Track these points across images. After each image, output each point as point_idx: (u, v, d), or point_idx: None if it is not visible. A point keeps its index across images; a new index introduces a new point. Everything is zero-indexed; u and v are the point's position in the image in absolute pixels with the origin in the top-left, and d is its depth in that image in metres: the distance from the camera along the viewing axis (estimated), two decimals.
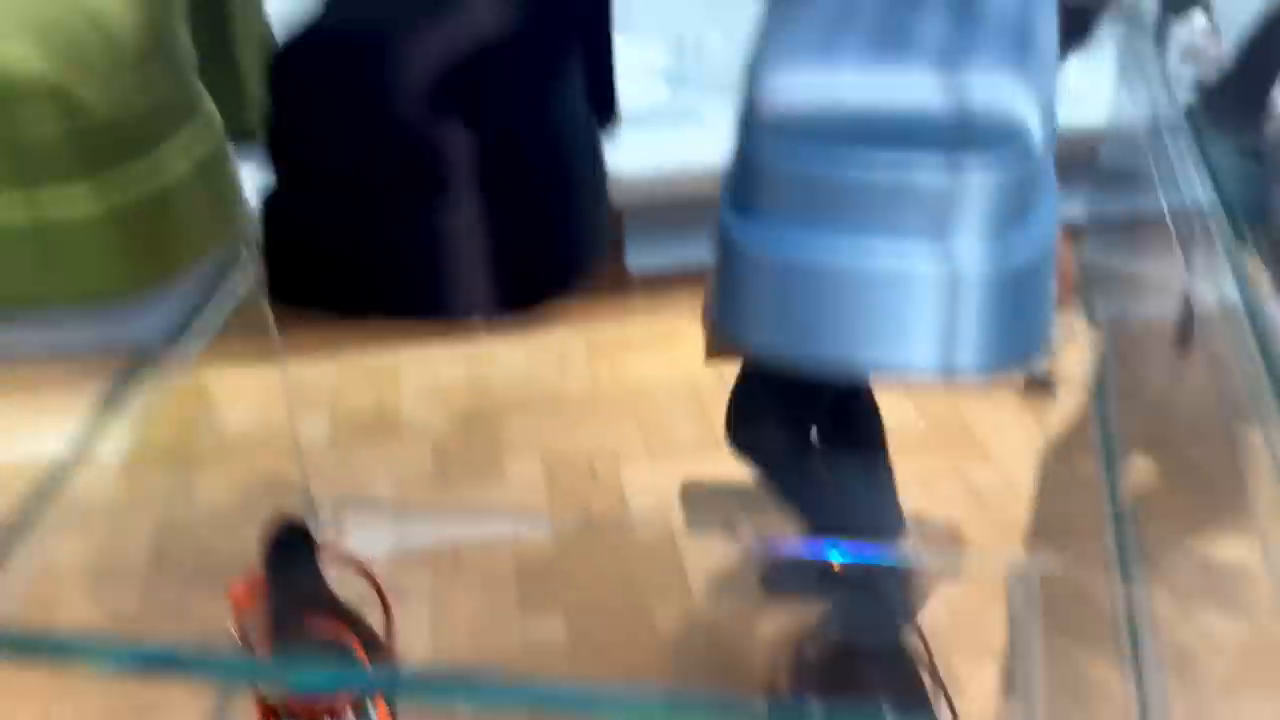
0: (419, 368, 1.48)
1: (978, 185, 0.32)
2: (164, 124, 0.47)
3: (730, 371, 0.79)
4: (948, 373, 0.34)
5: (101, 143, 0.43)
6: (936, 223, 0.33)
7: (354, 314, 0.40)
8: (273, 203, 0.41)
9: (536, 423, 1.39)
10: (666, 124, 1.41)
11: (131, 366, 0.50)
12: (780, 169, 0.34)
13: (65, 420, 0.49)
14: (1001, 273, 0.33)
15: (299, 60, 0.38)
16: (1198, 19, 1.37)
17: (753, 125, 0.35)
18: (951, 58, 0.33)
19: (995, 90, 0.32)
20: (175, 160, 0.47)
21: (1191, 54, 1.30)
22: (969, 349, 0.34)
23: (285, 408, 0.65)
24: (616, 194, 0.47)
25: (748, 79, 0.37)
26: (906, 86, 0.33)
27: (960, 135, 0.32)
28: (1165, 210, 0.59)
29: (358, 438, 1.33)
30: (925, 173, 0.32)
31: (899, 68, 0.33)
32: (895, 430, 0.82)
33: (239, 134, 0.60)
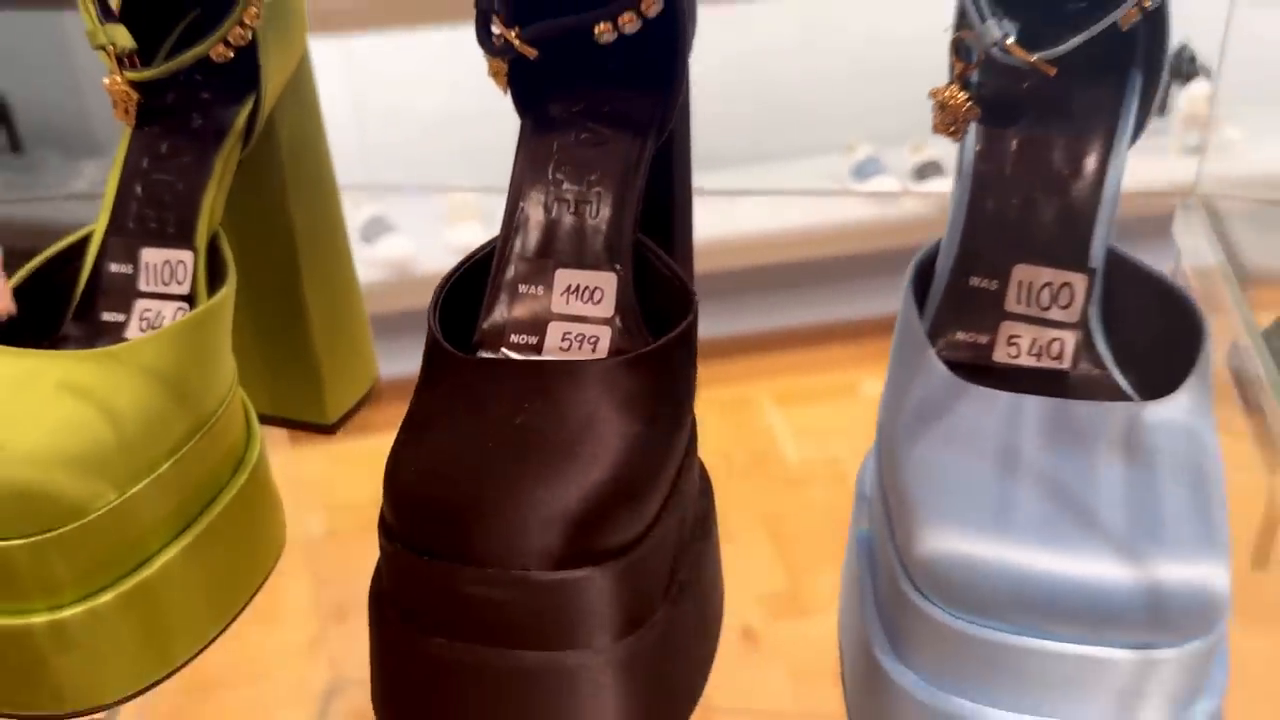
0: None
1: (1167, 669, 0.31)
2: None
3: None
4: None
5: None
6: (1119, 706, 0.31)
7: None
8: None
9: None
10: None
11: None
12: (951, 642, 0.32)
13: None
14: None
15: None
16: (1197, 86, 1.35)
17: (914, 587, 0.33)
18: (1135, 529, 0.31)
19: (1189, 567, 0.31)
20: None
21: (1195, 121, 1.28)
22: None
23: None
24: None
25: (893, 527, 0.35)
26: (1088, 562, 0.31)
27: (1151, 618, 0.30)
28: None
29: None
30: (1113, 659, 0.31)
31: (1078, 539, 0.31)
32: None
33: (313, 425, 0.57)
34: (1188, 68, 2.02)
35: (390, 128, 1.89)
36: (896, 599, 0.34)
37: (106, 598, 0.39)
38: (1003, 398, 0.36)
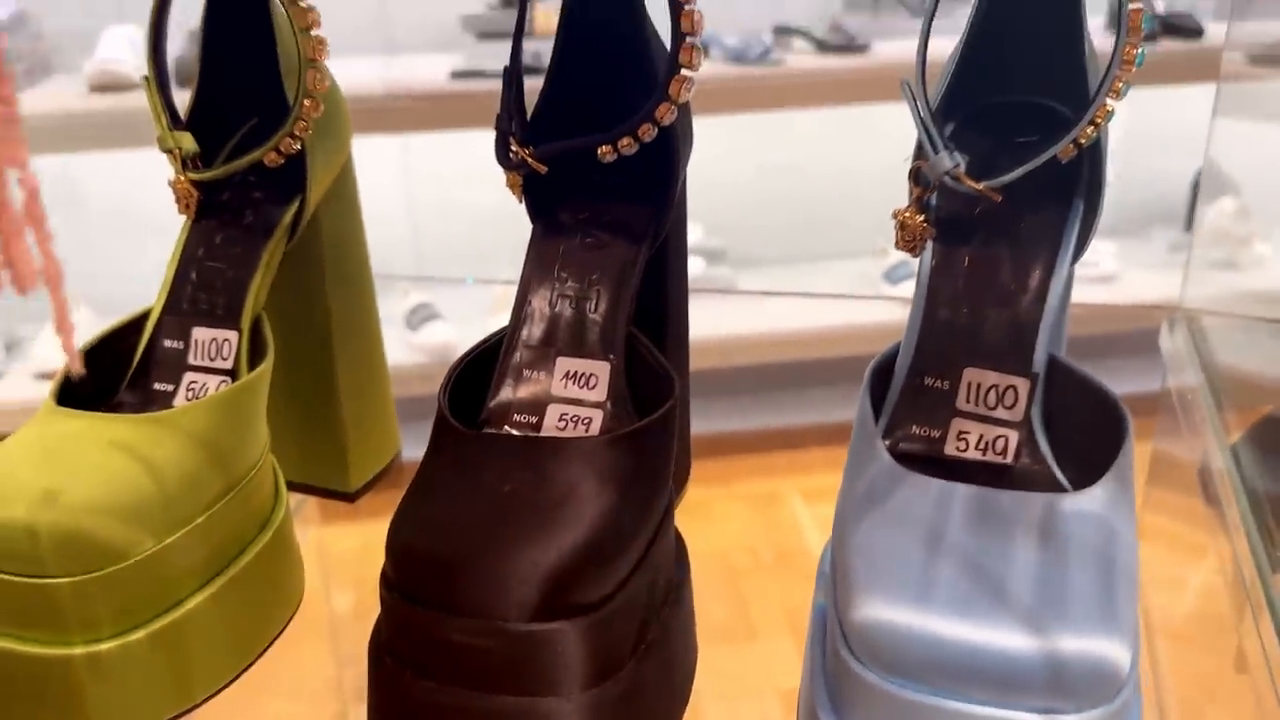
0: None
1: None
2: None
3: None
4: None
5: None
6: None
7: None
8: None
9: None
10: (703, 294, 1.48)
11: None
12: (877, 700, 0.36)
13: None
14: None
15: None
16: (1225, 202, 1.39)
17: (850, 650, 0.37)
18: (1043, 604, 0.35)
19: (1089, 641, 0.34)
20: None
21: (1220, 237, 1.31)
22: None
23: None
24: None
25: (836, 598, 0.39)
26: (998, 633, 0.35)
27: (1053, 686, 0.34)
28: None
29: None
30: None
31: (991, 612, 0.35)
32: None
33: (336, 493, 0.63)
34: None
35: (441, 221, 1.98)
36: (836, 662, 0.38)
37: (139, 635, 0.44)
38: (936, 485, 0.40)
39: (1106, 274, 2.14)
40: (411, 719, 0.39)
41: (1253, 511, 0.60)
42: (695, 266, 1.91)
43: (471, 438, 0.44)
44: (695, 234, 2.00)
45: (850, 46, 2.03)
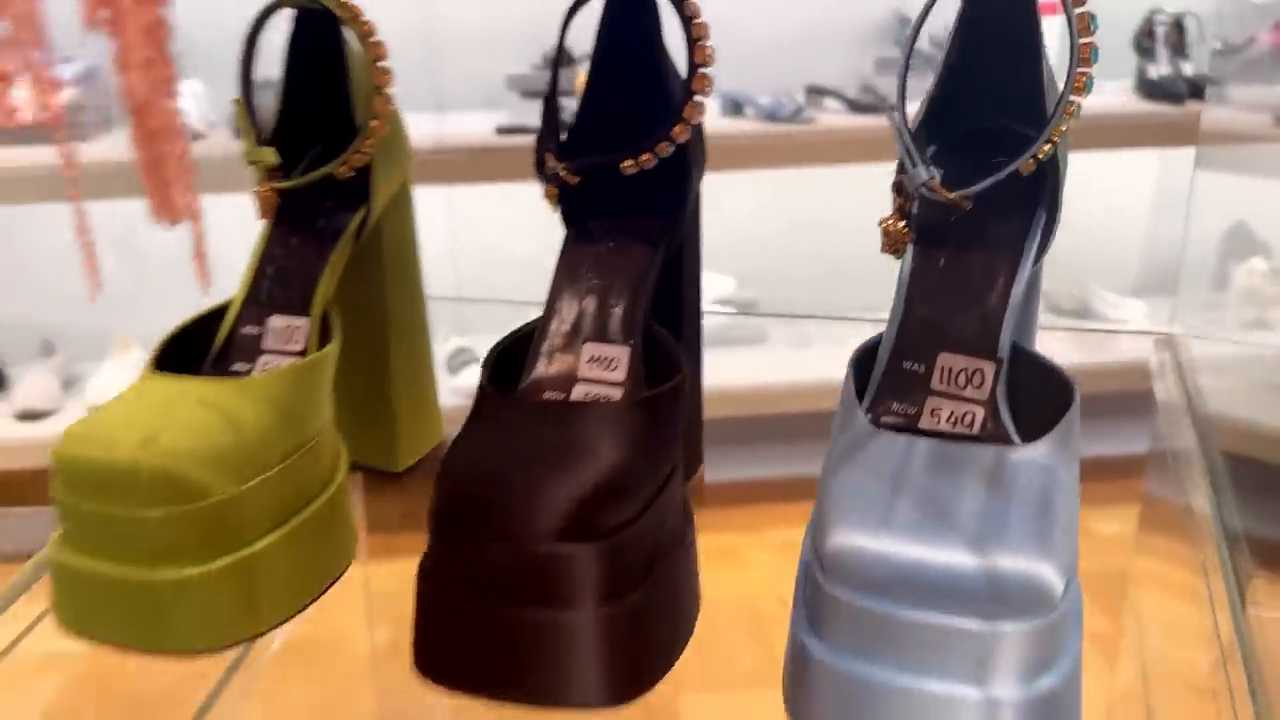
0: None
1: (1009, 640, 0.41)
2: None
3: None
4: None
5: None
6: (976, 666, 0.41)
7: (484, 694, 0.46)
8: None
9: None
10: (735, 345, 1.56)
11: None
12: (847, 614, 0.42)
13: None
14: (1034, 702, 0.41)
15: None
16: (1256, 262, 1.45)
17: (824, 575, 0.43)
18: (986, 531, 0.42)
19: (1023, 561, 0.40)
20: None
21: (1251, 296, 1.36)
22: None
23: None
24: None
25: (814, 533, 0.46)
26: (947, 553, 0.41)
27: (992, 596, 0.40)
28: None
29: None
30: (967, 628, 0.40)
31: (941, 538, 0.41)
32: None
33: (386, 472, 0.70)
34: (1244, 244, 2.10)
35: (482, 266, 2.07)
36: (813, 586, 0.44)
37: (218, 565, 0.51)
38: (902, 439, 0.46)
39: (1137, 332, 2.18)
40: (450, 631, 0.46)
41: (1229, 550, 0.64)
42: (727, 317, 1.99)
43: (510, 401, 0.51)
44: (727, 285, 2.08)
45: (881, 106, 2.11)
